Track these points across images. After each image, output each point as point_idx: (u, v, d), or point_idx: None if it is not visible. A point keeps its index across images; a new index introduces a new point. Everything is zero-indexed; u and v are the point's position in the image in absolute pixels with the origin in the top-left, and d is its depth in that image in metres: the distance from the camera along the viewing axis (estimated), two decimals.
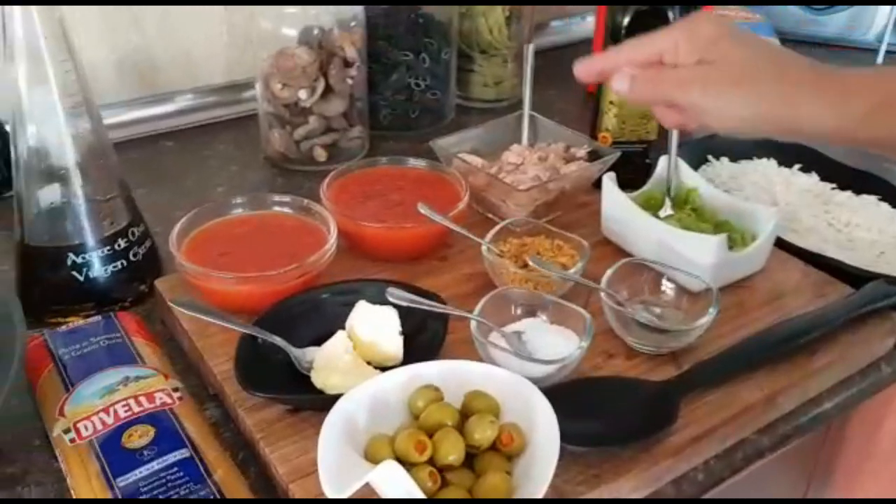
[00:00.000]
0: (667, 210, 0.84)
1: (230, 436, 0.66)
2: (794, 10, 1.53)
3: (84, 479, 0.59)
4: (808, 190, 0.98)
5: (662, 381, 0.66)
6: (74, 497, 0.59)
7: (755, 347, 0.69)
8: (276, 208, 0.81)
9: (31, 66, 0.70)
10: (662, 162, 0.86)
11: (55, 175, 0.74)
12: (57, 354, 0.69)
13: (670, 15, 0.87)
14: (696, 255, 0.75)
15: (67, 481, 0.60)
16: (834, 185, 1.00)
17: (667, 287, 0.74)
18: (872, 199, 0.96)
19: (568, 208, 0.91)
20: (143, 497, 0.57)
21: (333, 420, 0.55)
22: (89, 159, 0.75)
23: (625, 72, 0.63)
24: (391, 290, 0.68)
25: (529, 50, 0.94)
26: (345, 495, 0.50)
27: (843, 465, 0.94)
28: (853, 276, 0.81)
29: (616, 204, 0.82)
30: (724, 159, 1.04)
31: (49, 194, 0.75)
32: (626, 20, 0.86)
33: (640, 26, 0.86)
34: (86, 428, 0.62)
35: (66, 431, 0.62)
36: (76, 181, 0.75)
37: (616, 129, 0.93)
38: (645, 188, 0.86)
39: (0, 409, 0.58)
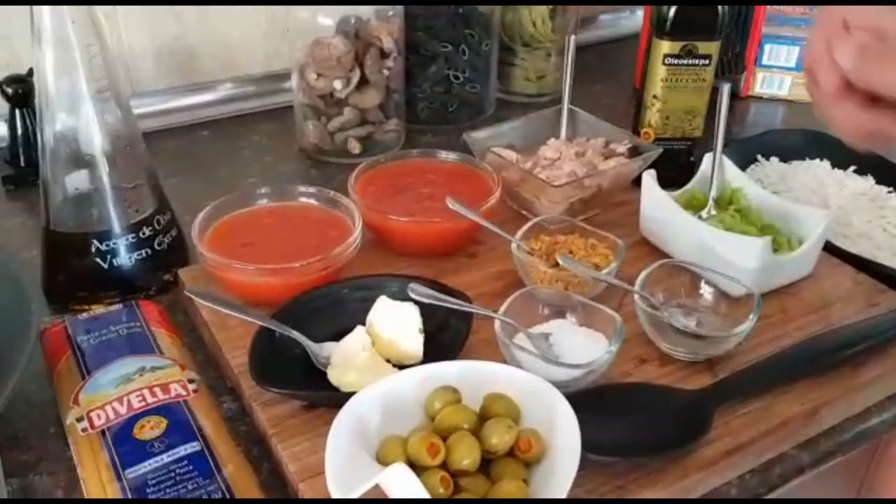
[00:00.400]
0: (709, 210, 0.80)
1: (245, 430, 0.65)
2: None
3: (93, 469, 0.58)
4: (862, 193, 0.93)
5: (696, 389, 0.63)
6: (84, 488, 0.58)
7: (796, 358, 0.65)
8: (303, 199, 0.79)
9: (59, 50, 0.69)
10: (707, 160, 0.82)
11: (81, 161, 0.73)
12: (76, 341, 0.68)
13: (719, 8, 0.83)
14: (739, 259, 0.71)
15: (78, 471, 0.59)
16: (891, 189, 0.95)
17: (706, 291, 0.71)
18: None
19: (606, 206, 0.87)
20: (151, 490, 0.55)
21: (344, 419, 0.53)
22: (116, 146, 0.74)
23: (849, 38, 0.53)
24: (413, 286, 0.65)
25: (571, 41, 0.90)
26: (352, 496, 0.48)
27: (893, 485, 0.89)
28: None
29: (655, 203, 0.79)
30: (775, 159, 1.00)
31: (75, 180, 0.74)
32: (672, 11, 0.83)
33: (687, 18, 0.83)
34: (98, 417, 0.61)
35: (79, 420, 0.61)
36: (102, 168, 0.74)
37: (659, 125, 0.89)
38: (687, 187, 0.83)
39: (13, 396, 0.57)
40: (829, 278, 0.78)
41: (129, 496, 0.55)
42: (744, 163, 0.99)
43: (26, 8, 0.68)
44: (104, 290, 0.77)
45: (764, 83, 1.24)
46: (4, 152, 0.99)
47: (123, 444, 0.59)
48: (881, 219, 0.88)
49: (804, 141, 1.01)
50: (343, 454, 0.51)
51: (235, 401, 0.67)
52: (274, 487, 0.59)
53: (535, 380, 0.58)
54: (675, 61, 0.85)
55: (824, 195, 0.91)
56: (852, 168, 0.98)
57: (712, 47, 0.84)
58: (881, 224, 0.87)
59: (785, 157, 1.00)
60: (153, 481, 0.56)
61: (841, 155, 0.98)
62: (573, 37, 0.91)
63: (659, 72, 0.86)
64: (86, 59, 0.70)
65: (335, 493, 0.48)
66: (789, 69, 1.23)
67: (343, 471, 0.50)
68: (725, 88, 0.79)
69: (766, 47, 1.22)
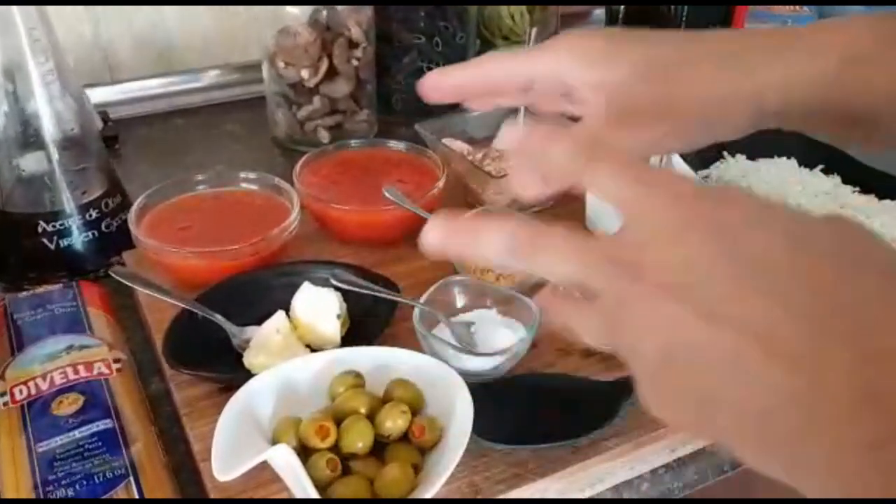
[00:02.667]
0: None
1: (169, 410, 0.66)
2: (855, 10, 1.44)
3: (8, 441, 0.59)
4: (826, 192, 0.92)
5: (609, 381, 0.62)
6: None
7: None
8: (244, 185, 0.80)
9: (3, 33, 0.71)
10: (654, 157, 0.81)
11: (28, 143, 0.75)
12: (12, 319, 0.70)
13: (672, 7, 0.82)
14: None
15: None
16: (856, 189, 0.93)
17: None
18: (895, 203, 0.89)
19: (561, 200, 0.87)
20: (58, 463, 0.56)
21: (238, 400, 0.54)
22: (62, 129, 0.75)
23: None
24: (336, 272, 0.66)
25: (532, 33, 0.90)
26: (232, 477, 0.48)
27: None
28: None
29: (598, 198, 0.78)
30: (741, 156, 0.98)
31: (23, 162, 0.76)
32: (622, 10, 0.82)
33: (638, 17, 0.82)
34: (20, 392, 0.63)
35: (2, 394, 0.63)
36: (48, 150, 0.75)
37: None
38: None
39: None
40: None
41: (37, 468, 0.56)
42: (709, 159, 0.98)
43: None
44: (53, 270, 0.78)
45: None
46: None
47: (39, 418, 0.60)
48: None
49: (772, 139, 0.98)
50: (233, 435, 0.52)
51: (163, 381, 0.68)
52: (179, 467, 0.60)
53: (439, 367, 0.58)
54: None
55: (784, 193, 0.90)
56: (820, 167, 0.96)
57: None
58: None
59: (752, 155, 0.99)
60: (61, 455, 0.57)
61: (809, 153, 0.97)
62: (534, 29, 0.90)
63: None
64: (30, 41, 0.72)
65: (216, 472, 0.49)
66: None
67: (229, 451, 0.50)
68: None
69: None
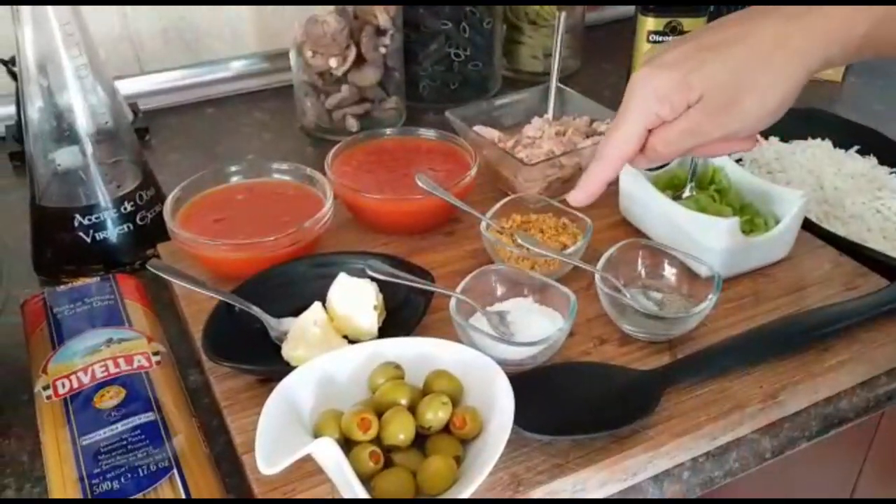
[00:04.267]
0: (688, 190, 0.78)
1: (208, 402, 0.66)
2: None
3: (52, 435, 0.60)
4: (862, 174, 0.90)
5: (647, 370, 0.62)
6: (44, 452, 0.60)
7: (756, 340, 0.64)
8: (277, 176, 0.80)
9: (37, 29, 0.71)
10: None
11: (63, 138, 0.76)
12: (51, 312, 0.71)
13: None
14: (708, 240, 0.70)
15: (40, 436, 0.61)
16: (893, 170, 0.92)
17: (671, 272, 0.70)
18: None
19: None
20: (103, 456, 0.57)
21: (280, 393, 0.54)
22: (96, 123, 0.76)
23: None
24: (371, 263, 0.66)
25: (561, 17, 0.89)
26: (276, 470, 0.49)
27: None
28: (893, 269, 0.74)
29: (632, 182, 0.78)
30: (774, 138, 0.97)
31: (58, 157, 0.77)
32: None
33: None
34: (63, 385, 0.63)
35: (45, 388, 0.63)
36: (82, 144, 0.76)
37: None
38: (670, 166, 0.81)
39: None
40: (809, 260, 0.76)
41: (81, 462, 0.57)
42: None
43: None
44: (89, 263, 0.79)
45: None
46: (13, 129, 1.02)
47: (83, 411, 0.61)
48: (876, 200, 0.85)
49: (806, 120, 0.98)
50: (275, 428, 0.52)
51: (202, 374, 0.69)
52: (223, 458, 0.60)
53: (478, 357, 0.58)
54: (660, 38, 0.83)
55: (819, 175, 0.89)
56: (855, 148, 0.95)
57: (698, 24, 0.82)
58: (875, 206, 0.84)
59: (785, 137, 0.97)
60: (105, 448, 0.58)
61: (844, 135, 0.96)
62: (563, 13, 0.89)
63: (644, 49, 0.85)
64: (64, 35, 0.72)
65: (260, 466, 0.49)
66: None
67: (272, 444, 0.51)
68: None
69: None
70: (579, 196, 0.60)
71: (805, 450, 0.66)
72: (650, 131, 0.57)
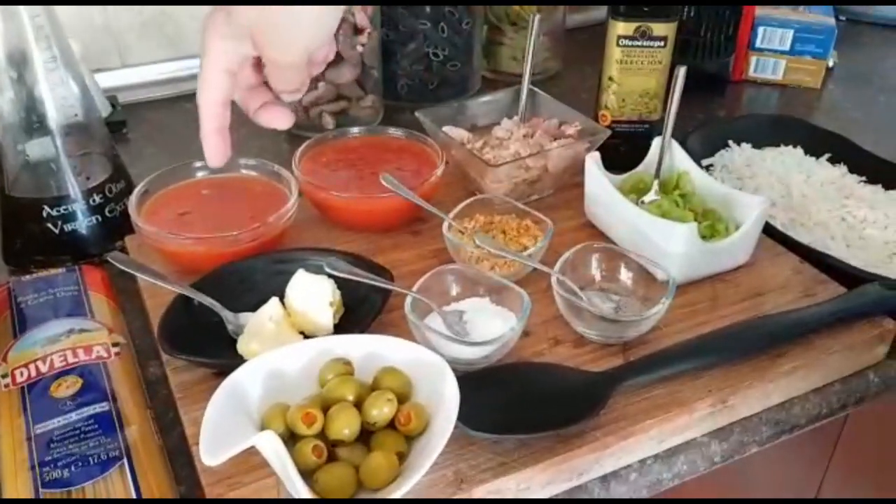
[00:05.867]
0: (652, 194, 0.79)
1: (165, 394, 0.67)
2: None
3: (8, 422, 0.60)
4: (831, 182, 0.91)
5: (596, 371, 0.63)
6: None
7: (708, 345, 0.65)
8: (244, 171, 0.80)
9: (6, 21, 0.72)
10: (655, 143, 0.81)
11: (33, 129, 0.76)
12: (15, 302, 0.71)
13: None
14: (666, 244, 0.70)
15: None
16: (863, 179, 0.92)
17: (628, 275, 0.71)
18: None
19: (561, 188, 0.87)
20: (55, 444, 0.58)
21: (227, 387, 0.55)
22: (66, 115, 0.76)
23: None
24: (329, 260, 0.66)
25: (535, 20, 0.90)
26: (219, 461, 0.49)
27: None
28: (852, 277, 0.74)
29: (597, 185, 0.78)
30: (746, 145, 0.98)
31: (28, 147, 0.77)
32: None
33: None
34: (21, 374, 0.64)
35: (4, 376, 0.64)
36: (53, 136, 0.76)
37: (615, 108, 0.89)
38: (636, 170, 0.82)
39: None
40: (770, 267, 0.76)
41: (34, 449, 0.58)
42: (714, 148, 0.97)
43: None
44: (57, 254, 0.80)
45: (758, 67, 1.22)
46: None
47: (39, 400, 0.61)
48: (842, 208, 0.86)
49: (778, 127, 0.99)
50: (222, 420, 0.53)
51: (161, 366, 0.69)
52: (174, 449, 0.61)
53: (428, 355, 0.58)
54: (630, 42, 0.84)
55: (788, 183, 0.90)
56: (826, 156, 0.95)
57: (668, 28, 0.83)
58: (840, 213, 0.85)
59: (758, 143, 0.98)
60: (59, 436, 0.58)
61: (815, 142, 0.96)
62: (537, 16, 0.90)
63: (614, 53, 0.85)
64: (33, 28, 0.73)
65: (203, 457, 0.49)
66: (784, 52, 1.20)
67: (217, 436, 0.51)
68: (681, 72, 0.78)
69: (760, 30, 1.19)
70: (207, 158, 0.60)
71: (763, 451, 0.67)
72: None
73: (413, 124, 0.92)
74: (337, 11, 0.55)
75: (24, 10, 0.72)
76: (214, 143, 0.60)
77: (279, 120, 0.63)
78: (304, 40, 0.55)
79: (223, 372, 0.63)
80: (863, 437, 0.84)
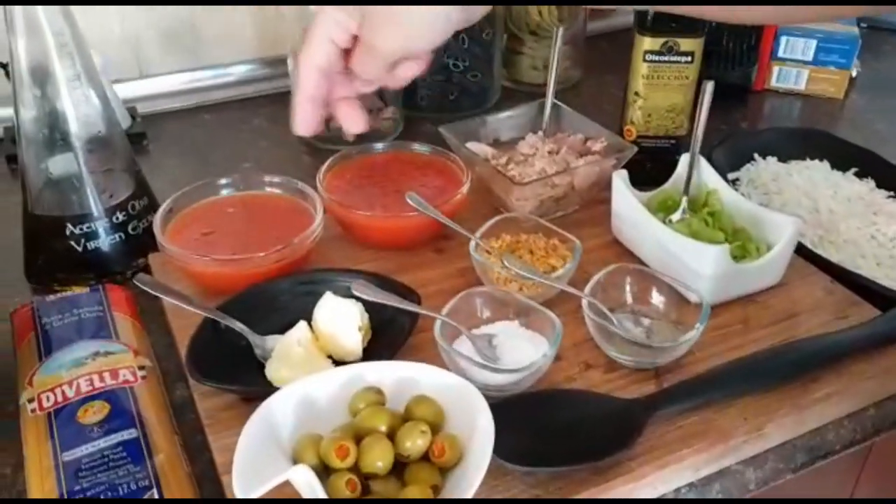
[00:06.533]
0: (680, 213, 0.78)
1: (193, 419, 0.66)
2: None
3: (35, 449, 0.60)
4: (859, 197, 0.90)
5: (629, 399, 0.62)
6: (26, 466, 0.60)
7: (742, 371, 0.64)
8: (268, 189, 0.80)
9: (31, 38, 0.71)
10: (683, 160, 0.80)
11: (56, 145, 0.76)
12: (40, 323, 0.71)
13: None
14: (697, 265, 0.69)
15: (24, 450, 0.61)
16: (891, 194, 0.91)
17: (659, 298, 0.70)
18: None
19: (587, 204, 0.86)
20: (83, 473, 0.57)
21: (259, 416, 0.54)
22: (88, 132, 0.76)
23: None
24: (356, 283, 0.66)
25: (558, 33, 0.89)
26: (254, 496, 0.49)
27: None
28: (881, 296, 0.73)
29: (624, 204, 0.77)
30: (772, 159, 0.97)
31: (51, 165, 0.77)
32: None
33: (668, 13, 0.81)
34: (47, 399, 0.63)
35: (31, 401, 0.64)
36: (74, 153, 0.76)
37: (641, 123, 0.88)
38: (663, 188, 0.81)
39: None
40: (801, 286, 0.75)
41: (63, 478, 0.57)
42: (739, 162, 0.96)
43: None
44: (80, 272, 0.79)
45: (780, 76, 1.21)
46: (12, 132, 1.02)
47: (66, 426, 0.61)
48: (871, 225, 0.85)
49: (804, 140, 0.97)
50: (254, 452, 0.52)
51: (188, 388, 0.69)
52: (203, 477, 0.60)
53: (461, 383, 0.58)
54: (656, 58, 0.83)
55: (815, 198, 0.89)
56: (853, 170, 0.94)
57: (695, 44, 0.82)
58: (870, 231, 0.84)
59: (784, 157, 0.97)
60: (87, 465, 0.58)
61: (842, 156, 0.95)
62: (561, 28, 0.89)
63: (640, 68, 0.84)
64: (57, 45, 0.72)
65: (237, 491, 0.49)
66: (807, 62, 1.18)
67: (250, 468, 0.51)
68: (708, 87, 0.76)
69: (783, 39, 1.18)
70: (294, 124, 0.62)
71: (791, 479, 0.66)
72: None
73: (433, 135, 0.91)
74: (448, 25, 0.55)
75: (47, 26, 0.71)
76: (304, 111, 0.60)
77: (354, 121, 0.63)
78: (407, 38, 0.56)
79: (251, 397, 0.63)
80: (889, 457, 0.83)
